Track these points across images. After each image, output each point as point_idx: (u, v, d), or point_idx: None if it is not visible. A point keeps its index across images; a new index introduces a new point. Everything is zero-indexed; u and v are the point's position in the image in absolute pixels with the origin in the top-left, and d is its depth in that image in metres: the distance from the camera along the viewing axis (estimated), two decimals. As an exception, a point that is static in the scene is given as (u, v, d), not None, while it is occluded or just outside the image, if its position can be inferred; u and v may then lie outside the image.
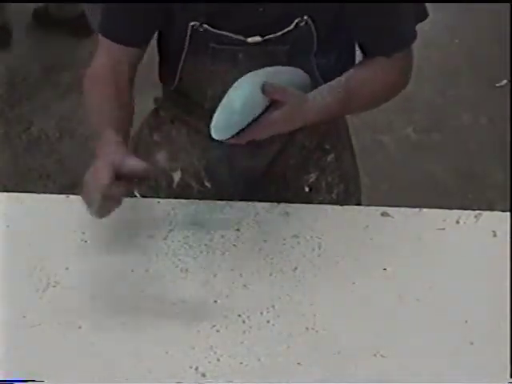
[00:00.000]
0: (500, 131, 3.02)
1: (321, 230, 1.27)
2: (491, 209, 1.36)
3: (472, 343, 1.09)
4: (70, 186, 2.57)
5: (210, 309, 1.14)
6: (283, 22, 1.24)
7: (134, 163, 1.11)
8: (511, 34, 3.33)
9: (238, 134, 1.11)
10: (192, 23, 1.25)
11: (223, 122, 1.10)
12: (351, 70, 1.27)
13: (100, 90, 1.28)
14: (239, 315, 1.13)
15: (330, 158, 1.46)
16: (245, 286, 1.18)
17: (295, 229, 1.27)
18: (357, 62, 1.36)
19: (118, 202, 1.11)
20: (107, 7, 1.31)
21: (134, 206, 1.34)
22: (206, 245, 1.24)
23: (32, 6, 3.53)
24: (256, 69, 1.16)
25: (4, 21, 3.37)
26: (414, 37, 1.29)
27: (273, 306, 1.14)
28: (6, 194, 1.37)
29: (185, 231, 1.26)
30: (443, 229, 1.28)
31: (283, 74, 1.18)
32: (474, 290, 1.17)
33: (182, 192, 1.43)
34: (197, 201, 1.34)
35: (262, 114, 1.12)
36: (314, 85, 1.24)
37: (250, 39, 1.25)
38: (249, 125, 1.11)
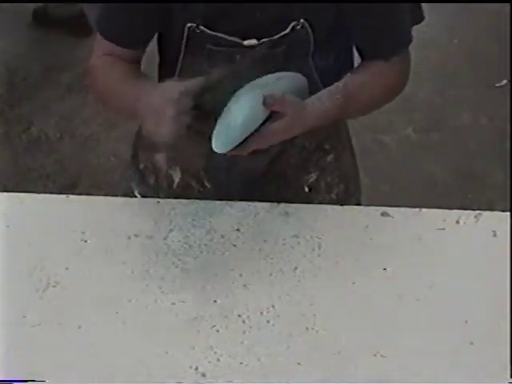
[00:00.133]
0: (500, 131, 3.02)
1: (321, 230, 1.27)
2: (491, 209, 1.36)
3: (472, 343, 1.09)
4: (70, 185, 2.57)
5: (210, 309, 1.14)
6: (279, 25, 1.24)
7: (195, 81, 1.10)
8: (511, 33, 3.33)
9: (238, 144, 1.12)
10: (189, 25, 1.25)
11: (224, 137, 1.11)
12: (349, 75, 1.27)
13: (114, 69, 1.29)
14: (239, 315, 1.13)
15: (330, 158, 1.46)
16: (245, 285, 1.18)
17: (295, 229, 1.27)
18: (355, 63, 1.36)
19: (186, 120, 1.10)
20: (105, 7, 1.31)
21: (134, 206, 1.34)
22: (205, 245, 1.24)
23: (32, 5, 3.53)
24: (253, 71, 1.16)
25: None
26: (411, 39, 1.29)
27: (273, 306, 1.14)
28: (5, 193, 1.37)
29: (185, 231, 1.26)
30: (443, 229, 1.28)
31: (282, 81, 1.18)
32: (474, 290, 1.17)
33: (181, 192, 1.43)
34: (197, 201, 1.34)
35: (262, 123, 1.13)
36: (313, 87, 1.25)
37: (245, 42, 1.25)
38: (249, 136, 1.12)
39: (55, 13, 3.45)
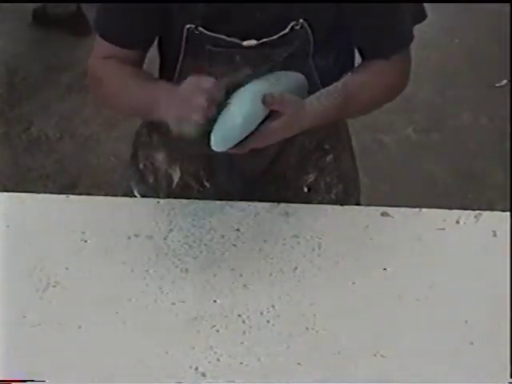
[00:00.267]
0: (500, 131, 3.02)
1: (321, 230, 1.27)
2: (491, 209, 1.36)
3: (472, 343, 1.09)
4: (70, 185, 2.57)
5: (210, 309, 1.14)
6: (279, 25, 1.24)
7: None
8: (511, 33, 3.33)
9: (237, 143, 1.12)
10: (188, 26, 1.25)
11: (223, 136, 1.11)
12: (349, 74, 1.27)
13: (121, 71, 1.29)
14: (239, 315, 1.13)
15: (329, 158, 1.46)
16: (245, 285, 1.18)
17: (295, 229, 1.27)
18: (356, 63, 1.36)
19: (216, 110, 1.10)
20: (103, 8, 1.31)
21: (134, 206, 1.34)
22: (205, 245, 1.24)
23: (32, 5, 3.53)
24: (253, 71, 1.16)
25: None
26: (412, 38, 1.29)
27: (273, 306, 1.14)
28: (5, 193, 1.37)
29: (185, 231, 1.26)
30: (443, 229, 1.28)
31: (281, 81, 1.18)
32: (474, 289, 1.17)
33: (181, 192, 1.43)
34: (197, 201, 1.34)
35: (261, 122, 1.13)
36: (313, 87, 1.25)
37: (245, 42, 1.25)
38: (248, 134, 1.12)
39: (54, 12, 3.45)
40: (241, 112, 1.10)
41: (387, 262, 1.21)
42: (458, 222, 1.29)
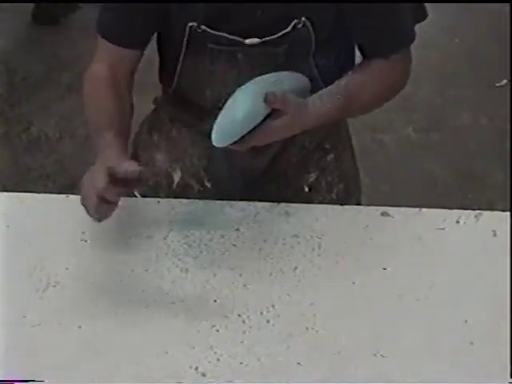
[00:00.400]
0: (500, 131, 3.02)
1: (321, 229, 1.27)
2: (491, 209, 1.36)
3: (472, 343, 1.09)
4: (69, 186, 2.58)
5: (210, 309, 1.14)
6: (281, 23, 1.24)
7: (129, 167, 1.09)
8: (511, 33, 3.34)
9: (238, 140, 1.12)
10: (190, 24, 1.25)
11: (224, 131, 1.11)
12: (350, 74, 1.27)
13: (100, 92, 1.28)
14: (239, 315, 1.13)
15: (330, 157, 1.46)
16: (245, 285, 1.18)
17: (295, 229, 1.27)
18: (357, 62, 1.36)
19: (114, 206, 1.11)
20: (103, 7, 1.31)
21: (133, 206, 1.34)
22: (205, 245, 1.24)
23: (31, 5, 3.53)
24: (255, 69, 1.16)
25: None
26: (413, 37, 1.29)
27: (273, 306, 1.14)
28: (5, 193, 1.37)
29: (185, 231, 1.26)
30: (443, 229, 1.28)
31: (284, 80, 1.18)
32: (474, 289, 1.17)
33: (181, 192, 1.43)
34: (197, 201, 1.34)
35: (263, 120, 1.13)
36: (314, 86, 1.25)
37: (247, 41, 1.25)
38: (249, 132, 1.12)
39: (52, 11, 3.45)
40: (242, 108, 1.10)
41: (387, 262, 1.21)
42: (458, 222, 1.29)
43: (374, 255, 1.23)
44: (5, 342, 1.08)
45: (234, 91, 1.14)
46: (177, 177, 1.44)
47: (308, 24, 1.24)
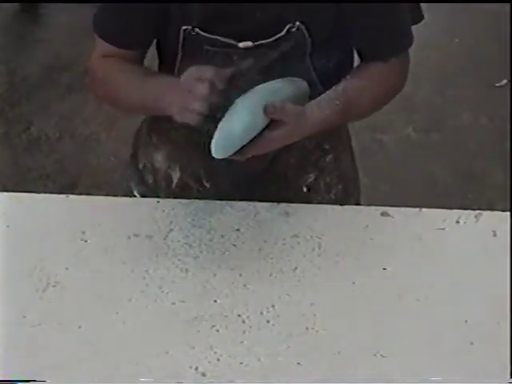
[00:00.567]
0: (500, 131, 3.02)
1: (321, 230, 1.27)
2: (491, 209, 1.36)
3: (472, 343, 1.09)
4: (69, 186, 2.58)
5: (210, 309, 1.14)
6: (275, 27, 1.24)
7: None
8: (511, 33, 3.34)
9: (238, 150, 1.13)
10: (184, 27, 1.25)
11: (223, 144, 1.12)
12: (348, 78, 1.27)
13: (124, 66, 1.29)
14: (239, 315, 1.13)
15: (329, 158, 1.46)
16: (245, 285, 1.18)
17: (295, 229, 1.27)
18: (355, 64, 1.36)
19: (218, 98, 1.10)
20: (101, 8, 1.31)
21: (134, 205, 1.34)
22: (205, 245, 1.24)
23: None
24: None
25: None
26: (411, 40, 1.29)
27: (273, 306, 1.14)
28: (5, 193, 1.37)
29: (185, 231, 1.26)
30: (443, 229, 1.28)
31: (282, 88, 1.18)
32: (474, 290, 1.17)
33: (181, 192, 1.43)
34: (197, 201, 1.34)
35: (262, 130, 1.13)
36: (312, 88, 1.25)
37: (241, 44, 1.25)
38: (249, 142, 1.12)
39: None
40: (241, 121, 1.11)
41: (387, 262, 1.21)
42: (458, 222, 1.29)
43: (374, 255, 1.23)
44: (5, 342, 1.08)
45: (231, 100, 1.13)
46: (176, 177, 1.44)
47: (302, 27, 1.24)
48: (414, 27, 1.30)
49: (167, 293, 1.16)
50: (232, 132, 1.11)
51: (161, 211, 1.31)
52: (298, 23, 1.23)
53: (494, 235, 1.27)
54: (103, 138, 2.93)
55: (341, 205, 1.35)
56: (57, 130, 2.98)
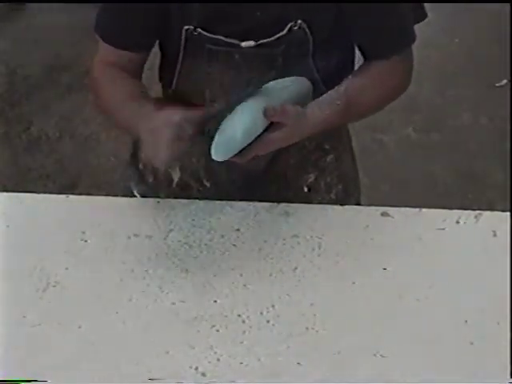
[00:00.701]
0: (500, 131, 3.02)
1: (321, 230, 1.27)
2: (491, 209, 1.36)
3: (472, 343, 1.09)
4: (69, 185, 2.58)
5: (210, 309, 1.14)
6: (277, 26, 1.24)
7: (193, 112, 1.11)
8: (511, 33, 3.34)
9: (238, 153, 1.13)
10: (186, 27, 1.25)
11: (224, 147, 1.12)
12: (350, 78, 1.27)
13: (117, 87, 1.29)
14: (239, 315, 1.13)
15: (330, 158, 1.46)
16: (245, 285, 1.18)
17: (295, 229, 1.27)
18: (356, 62, 1.36)
19: (185, 144, 1.11)
20: (102, 9, 1.31)
21: (134, 206, 1.34)
22: (205, 245, 1.24)
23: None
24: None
25: None
26: (414, 37, 1.29)
27: (273, 306, 1.14)
28: (5, 193, 1.37)
29: (185, 231, 1.26)
30: (443, 229, 1.28)
31: (284, 88, 1.18)
32: (474, 290, 1.17)
33: (181, 192, 1.43)
34: (197, 201, 1.34)
35: (262, 132, 1.13)
36: (314, 86, 1.25)
37: (243, 43, 1.25)
38: (249, 144, 1.13)
39: None
40: (241, 124, 1.11)
41: (387, 262, 1.21)
42: (458, 222, 1.29)
43: (374, 255, 1.23)
44: (5, 342, 1.08)
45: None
46: (176, 176, 1.44)
47: (304, 26, 1.24)
48: (414, 26, 1.30)
49: (167, 293, 1.16)
50: (232, 135, 1.11)
51: (161, 211, 1.31)
52: (299, 21, 1.23)
53: (494, 235, 1.26)
54: (103, 138, 2.93)
55: (341, 205, 1.35)
56: (57, 130, 2.98)
